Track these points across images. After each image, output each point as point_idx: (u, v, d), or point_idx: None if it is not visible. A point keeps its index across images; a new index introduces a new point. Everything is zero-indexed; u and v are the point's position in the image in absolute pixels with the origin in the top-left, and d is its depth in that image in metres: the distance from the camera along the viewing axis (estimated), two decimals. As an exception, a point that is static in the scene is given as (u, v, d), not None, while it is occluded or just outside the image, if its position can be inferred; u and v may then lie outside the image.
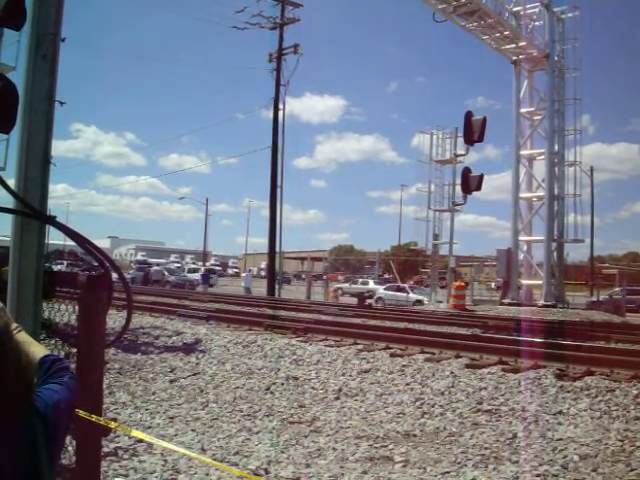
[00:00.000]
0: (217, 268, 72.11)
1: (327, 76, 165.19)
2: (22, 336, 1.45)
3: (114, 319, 8.59)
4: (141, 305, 15.75)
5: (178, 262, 75.07)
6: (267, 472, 4.53)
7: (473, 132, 20.03)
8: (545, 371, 7.64)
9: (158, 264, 51.26)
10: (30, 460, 1.21)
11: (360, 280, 39.52)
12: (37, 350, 1.46)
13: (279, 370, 8.33)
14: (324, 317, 15.69)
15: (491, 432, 5.59)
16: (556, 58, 25.44)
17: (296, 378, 7.89)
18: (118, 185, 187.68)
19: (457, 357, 8.66)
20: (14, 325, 1.45)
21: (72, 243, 2.74)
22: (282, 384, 7.61)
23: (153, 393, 7.04)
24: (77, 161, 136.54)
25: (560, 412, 6.13)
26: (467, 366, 8.08)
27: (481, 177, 21.27)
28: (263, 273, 54.48)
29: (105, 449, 4.36)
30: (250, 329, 12.01)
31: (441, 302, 25.14)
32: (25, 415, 1.22)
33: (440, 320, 15.84)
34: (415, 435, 5.62)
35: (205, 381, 7.75)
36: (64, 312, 2.87)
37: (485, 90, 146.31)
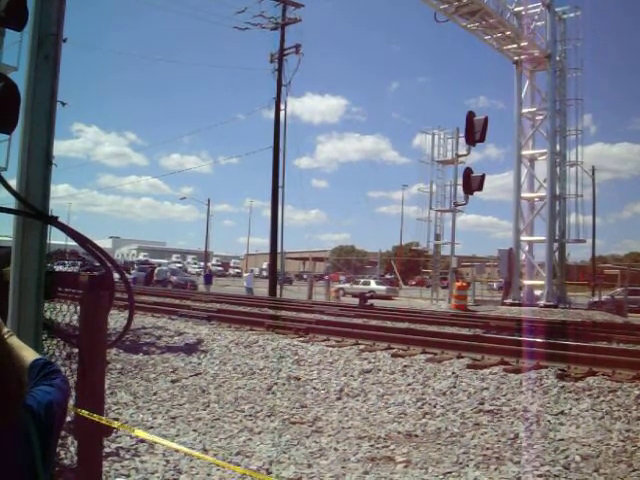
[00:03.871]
0: (218, 268, 72.26)
1: (328, 76, 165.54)
2: (13, 340, 1.49)
3: (116, 319, 8.60)
4: (143, 305, 15.77)
5: (180, 262, 75.28)
6: (269, 472, 4.53)
7: (475, 132, 19.96)
8: (547, 371, 7.63)
9: (160, 264, 51.39)
10: (25, 460, 1.23)
11: (362, 280, 39.54)
12: (28, 354, 1.49)
13: (281, 370, 8.33)
14: (326, 317, 15.69)
15: (493, 432, 5.58)
16: (558, 58, 25.42)
17: (298, 378, 7.89)
18: (119, 185, 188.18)
19: (459, 357, 8.65)
20: (5, 329, 1.48)
21: (74, 243, 2.75)
22: (284, 384, 7.61)
23: (155, 393, 7.04)
24: (78, 161, 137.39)
25: (562, 412, 6.12)
26: (469, 366, 8.07)
27: (483, 177, 21.22)
28: (265, 273, 54.47)
29: (107, 449, 4.36)
30: (252, 329, 12.02)
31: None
32: (18, 415, 1.23)
33: (442, 320, 15.84)
34: (417, 435, 5.62)
35: (207, 381, 7.75)
36: (66, 312, 2.88)
37: (487, 90, 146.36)
